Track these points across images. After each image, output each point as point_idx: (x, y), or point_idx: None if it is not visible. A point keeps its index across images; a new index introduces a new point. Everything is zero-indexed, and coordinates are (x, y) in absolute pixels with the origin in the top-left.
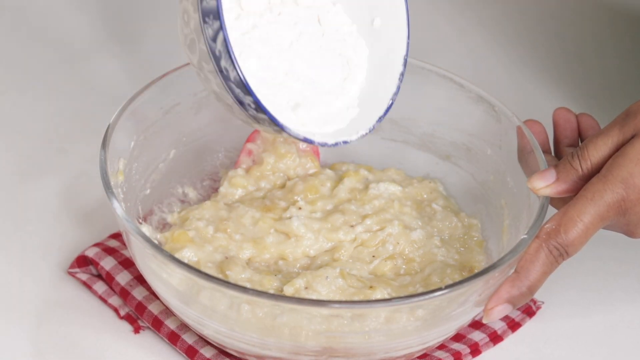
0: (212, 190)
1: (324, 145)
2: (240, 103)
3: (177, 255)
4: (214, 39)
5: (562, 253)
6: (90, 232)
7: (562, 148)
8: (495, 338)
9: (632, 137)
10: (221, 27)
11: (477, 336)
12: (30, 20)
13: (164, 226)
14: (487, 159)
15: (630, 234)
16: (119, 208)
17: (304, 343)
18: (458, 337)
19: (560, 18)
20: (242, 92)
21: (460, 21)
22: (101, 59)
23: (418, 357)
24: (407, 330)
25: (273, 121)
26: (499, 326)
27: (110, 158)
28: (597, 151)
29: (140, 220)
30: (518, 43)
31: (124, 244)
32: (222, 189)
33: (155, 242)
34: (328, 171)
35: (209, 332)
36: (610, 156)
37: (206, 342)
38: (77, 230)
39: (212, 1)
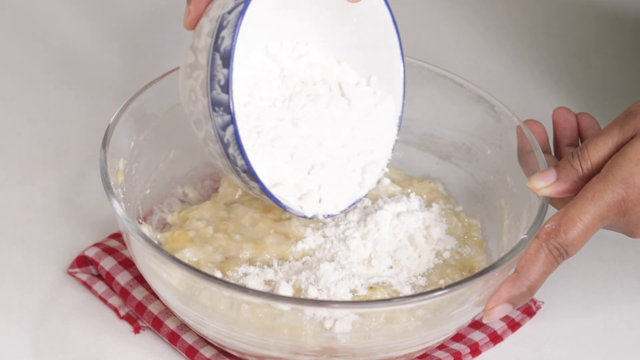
0: (212, 190)
1: (318, 218)
2: (245, 182)
3: (177, 256)
4: (223, 129)
5: (562, 253)
6: (90, 232)
7: (562, 148)
8: (495, 338)
9: (632, 137)
10: (232, 121)
11: (477, 336)
12: (30, 20)
13: (164, 226)
14: (487, 159)
15: (630, 234)
16: (119, 208)
17: (304, 343)
18: (458, 337)
19: (561, 18)
20: (248, 177)
21: (460, 21)
22: (101, 59)
23: (418, 357)
24: (407, 330)
25: (276, 203)
26: (499, 326)
27: (110, 158)
28: (597, 151)
29: (140, 220)
30: (518, 43)
31: (124, 244)
32: (221, 189)
33: (155, 242)
34: None
35: (209, 332)
36: (610, 156)
37: (206, 342)
38: (77, 230)
39: (224, 95)
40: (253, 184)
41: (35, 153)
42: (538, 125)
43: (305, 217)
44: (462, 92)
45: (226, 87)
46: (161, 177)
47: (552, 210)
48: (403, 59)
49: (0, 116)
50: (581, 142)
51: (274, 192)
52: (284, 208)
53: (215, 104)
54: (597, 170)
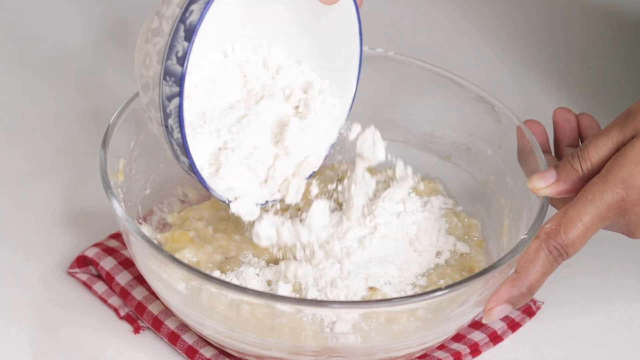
0: None
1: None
2: (177, 156)
3: (177, 256)
4: (169, 99)
5: (562, 253)
6: (90, 232)
7: (562, 148)
8: (495, 338)
9: (632, 137)
10: (180, 94)
11: (477, 336)
12: (30, 20)
13: (164, 226)
14: (487, 159)
15: (630, 234)
16: (119, 208)
17: (304, 343)
18: (458, 337)
19: (561, 18)
20: (180, 151)
21: (460, 21)
22: (101, 59)
23: (418, 357)
24: (407, 330)
25: (201, 182)
26: (499, 326)
27: (110, 158)
28: (597, 152)
29: (140, 220)
30: (518, 43)
31: (124, 244)
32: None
33: (155, 242)
34: (327, 171)
35: (208, 333)
36: (610, 157)
37: (206, 342)
38: (77, 230)
39: (178, 66)
40: (183, 158)
41: (35, 153)
42: (538, 126)
43: (225, 201)
44: (462, 92)
45: (182, 60)
46: (161, 177)
47: (552, 211)
48: (359, 72)
49: (1, 116)
50: (581, 143)
51: (203, 173)
52: (207, 189)
53: (167, 74)
54: (597, 171)
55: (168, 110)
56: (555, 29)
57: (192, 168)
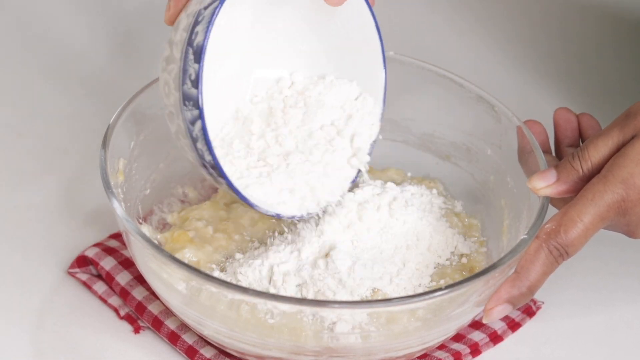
0: (212, 190)
1: (291, 218)
2: (214, 177)
3: (177, 256)
4: (192, 123)
5: (562, 253)
6: (90, 232)
7: (562, 148)
8: (495, 338)
9: (633, 137)
10: (200, 116)
11: (477, 336)
12: (30, 20)
13: (164, 226)
14: (487, 159)
15: (630, 234)
16: (119, 208)
17: (304, 343)
18: (458, 337)
19: (561, 18)
20: (215, 173)
21: (460, 21)
22: (101, 59)
23: (418, 357)
24: (407, 330)
25: (243, 200)
26: (499, 326)
27: (110, 158)
28: (597, 152)
29: (140, 220)
30: (518, 43)
31: (124, 244)
32: (221, 189)
33: (155, 242)
34: None
35: (209, 333)
36: (610, 157)
37: (206, 342)
38: (77, 230)
39: (194, 89)
40: (221, 180)
41: (35, 153)
42: (538, 126)
43: (273, 215)
44: (462, 92)
45: (196, 82)
46: (161, 177)
47: (552, 211)
48: (385, 65)
49: (0, 116)
50: (582, 143)
51: (245, 191)
52: (251, 205)
53: (186, 98)
54: (597, 171)
55: (194, 135)
56: (554, 29)
57: (231, 187)
